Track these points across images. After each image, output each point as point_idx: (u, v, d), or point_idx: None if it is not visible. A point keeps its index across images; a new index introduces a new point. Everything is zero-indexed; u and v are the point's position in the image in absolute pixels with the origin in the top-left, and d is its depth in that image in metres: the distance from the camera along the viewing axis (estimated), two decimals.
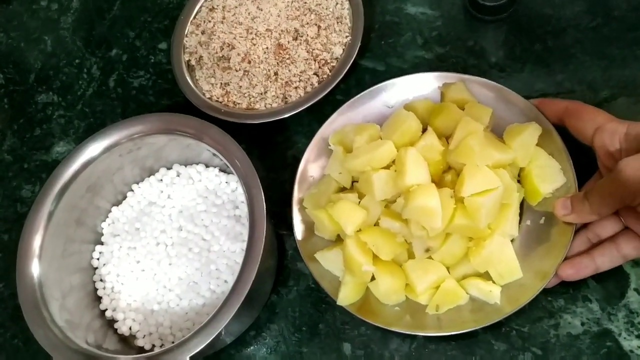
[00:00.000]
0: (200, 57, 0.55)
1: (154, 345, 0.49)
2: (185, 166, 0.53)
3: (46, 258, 0.47)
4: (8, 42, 0.71)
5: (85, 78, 0.66)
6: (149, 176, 0.54)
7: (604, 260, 0.43)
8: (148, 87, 0.64)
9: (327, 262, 0.49)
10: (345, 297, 0.46)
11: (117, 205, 0.54)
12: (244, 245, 0.49)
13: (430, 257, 0.46)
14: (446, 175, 0.47)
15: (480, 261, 0.44)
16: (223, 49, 0.53)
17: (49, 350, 0.43)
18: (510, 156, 0.46)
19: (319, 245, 0.50)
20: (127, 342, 0.50)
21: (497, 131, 0.48)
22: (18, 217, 0.61)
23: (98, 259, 0.53)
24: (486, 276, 0.46)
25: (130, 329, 0.50)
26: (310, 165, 0.52)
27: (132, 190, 0.54)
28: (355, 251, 0.46)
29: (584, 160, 0.45)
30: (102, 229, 0.54)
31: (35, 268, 0.46)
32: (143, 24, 0.67)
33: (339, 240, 0.50)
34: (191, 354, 0.39)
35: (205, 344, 0.40)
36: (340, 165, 0.50)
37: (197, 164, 0.53)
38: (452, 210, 0.43)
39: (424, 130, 0.48)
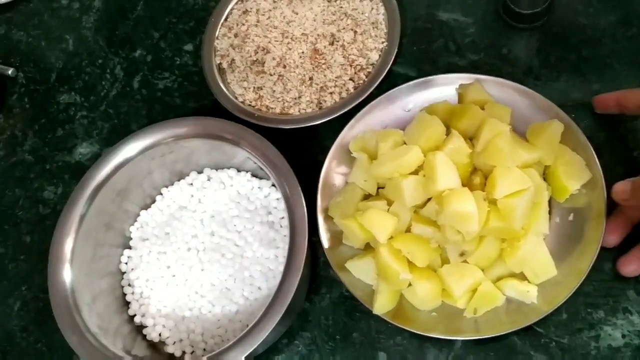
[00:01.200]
0: (233, 60, 0.54)
1: (184, 352, 0.49)
2: (216, 170, 0.52)
3: (77, 262, 0.46)
4: (28, 41, 0.70)
5: (109, 78, 0.65)
6: (178, 180, 0.53)
7: None
8: (174, 89, 0.63)
9: (359, 271, 0.48)
10: (382, 305, 0.46)
11: (146, 209, 0.53)
12: (278, 252, 0.49)
13: (465, 261, 0.46)
14: (474, 178, 0.47)
15: (516, 261, 0.45)
16: (257, 52, 0.52)
17: (84, 358, 0.42)
18: (537, 155, 0.46)
19: (347, 253, 0.50)
20: (156, 348, 0.49)
21: (516, 130, 0.48)
22: (40, 219, 0.60)
23: (126, 263, 0.52)
24: (520, 276, 0.46)
25: (160, 335, 0.49)
26: (331, 173, 0.51)
27: (162, 194, 0.53)
28: (390, 259, 0.45)
29: (607, 155, 0.46)
30: (131, 232, 0.53)
31: (67, 273, 0.45)
32: (168, 24, 0.66)
33: (367, 248, 0.50)
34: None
35: (246, 354, 0.39)
36: (365, 172, 0.50)
37: (229, 168, 0.52)
38: (487, 213, 0.43)
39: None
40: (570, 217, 0.47)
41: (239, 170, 0.52)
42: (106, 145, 0.62)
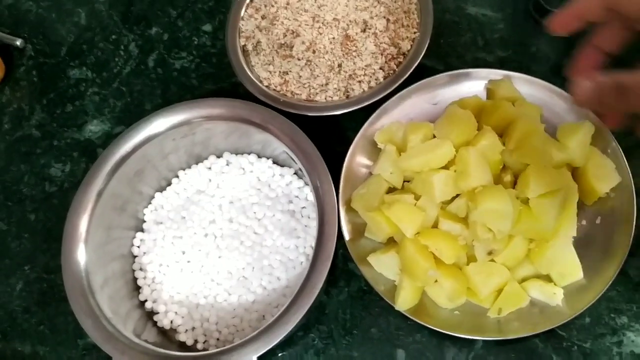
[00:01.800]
0: (258, 42, 0.52)
1: (196, 341, 0.47)
2: (236, 155, 0.50)
3: (91, 243, 0.44)
4: (38, 12, 0.67)
5: (122, 55, 0.63)
6: (196, 163, 0.51)
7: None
8: (191, 69, 0.61)
9: (381, 265, 0.47)
10: (404, 301, 0.45)
11: (161, 192, 0.51)
12: (299, 242, 0.47)
13: (492, 260, 0.45)
14: (504, 176, 0.46)
15: (544, 263, 0.44)
16: (286, 35, 0.51)
17: (99, 343, 0.40)
18: (568, 156, 0.46)
19: (368, 247, 0.49)
20: (167, 335, 0.48)
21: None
22: (46, 197, 0.58)
23: (139, 246, 0.50)
24: (544, 278, 0.45)
25: (171, 322, 0.48)
26: (354, 164, 0.50)
27: (178, 177, 0.51)
28: (416, 255, 0.44)
29: (636, 158, 0.46)
30: (144, 215, 0.51)
31: (81, 254, 0.44)
32: (186, 3, 0.64)
33: (390, 242, 0.49)
34: (258, 354, 0.37)
35: (271, 346, 0.38)
36: (392, 164, 0.48)
37: (249, 153, 0.50)
38: (519, 212, 0.43)
39: None
40: (598, 221, 0.46)
41: (259, 156, 0.50)
42: (118, 124, 0.60)
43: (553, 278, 0.45)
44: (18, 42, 0.65)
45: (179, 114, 0.45)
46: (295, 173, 0.49)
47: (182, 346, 0.47)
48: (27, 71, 0.64)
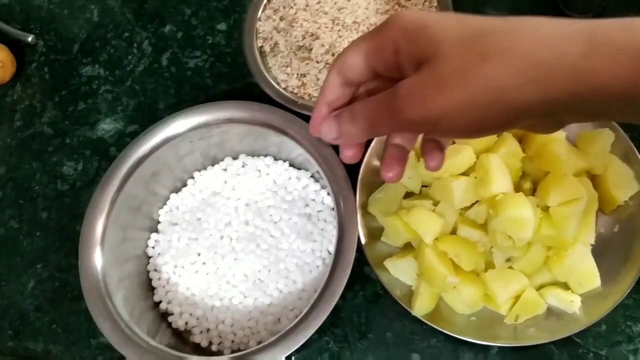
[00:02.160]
0: (276, 43, 0.52)
1: (210, 343, 0.47)
2: (252, 157, 0.50)
3: (107, 245, 0.44)
4: (50, 8, 0.67)
5: (136, 53, 0.63)
6: (212, 165, 0.51)
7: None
8: (205, 69, 0.61)
9: (398, 270, 0.47)
10: (422, 306, 0.45)
11: (176, 193, 0.51)
12: (315, 245, 0.47)
13: (510, 267, 0.45)
14: (523, 183, 0.46)
15: (563, 270, 0.44)
16: (305, 38, 0.50)
17: (118, 347, 0.40)
18: (588, 164, 0.46)
19: (384, 251, 0.48)
20: (181, 337, 0.48)
21: None
22: (58, 195, 0.58)
23: (153, 247, 0.50)
24: (561, 286, 0.45)
25: (186, 323, 0.48)
26: (370, 168, 0.50)
27: (193, 178, 0.51)
28: (435, 261, 0.44)
29: None
30: (159, 216, 0.51)
31: (98, 256, 0.43)
32: (200, 1, 0.64)
33: (406, 247, 0.49)
34: (285, 355, 0.38)
35: (289, 352, 0.38)
36: (410, 169, 0.48)
37: (265, 156, 0.50)
38: (539, 221, 0.43)
39: None
40: (616, 229, 0.46)
41: (275, 159, 0.50)
42: (131, 123, 0.60)
43: (570, 286, 0.45)
44: (29, 39, 0.64)
45: (197, 116, 0.45)
46: (312, 176, 0.49)
47: (197, 348, 0.47)
48: (39, 68, 0.64)
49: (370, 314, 0.49)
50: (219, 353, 0.47)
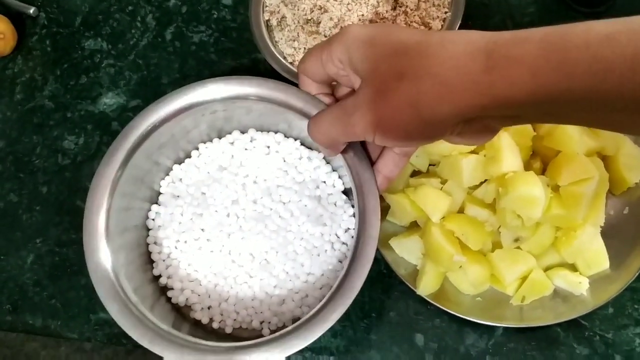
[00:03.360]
0: (283, 17, 0.51)
1: (211, 319, 0.46)
2: (261, 132, 0.49)
3: (112, 217, 0.43)
4: None
5: (139, 27, 0.62)
6: (218, 137, 0.49)
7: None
8: (209, 44, 0.60)
9: (403, 249, 0.47)
10: (427, 286, 0.45)
11: (179, 164, 0.49)
12: (324, 229, 0.46)
13: (518, 247, 0.44)
14: (533, 162, 0.45)
15: (571, 251, 0.44)
16: (313, 11, 0.49)
17: (128, 329, 0.39)
18: (600, 144, 0.45)
19: (389, 230, 0.48)
20: (180, 312, 0.47)
21: None
22: (59, 170, 0.57)
23: (154, 219, 0.48)
24: (569, 267, 0.45)
25: (187, 299, 0.47)
26: None
27: (197, 149, 0.49)
28: (442, 240, 0.43)
29: None
30: (160, 187, 0.49)
31: (103, 245, 0.42)
32: None
33: (412, 226, 0.48)
34: (291, 352, 0.37)
35: (306, 345, 0.37)
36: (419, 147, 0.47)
37: (276, 132, 0.49)
38: (549, 200, 0.42)
39: None
40: (625, 211, 0.46)
41: (286, 136, 0.49)
42: (134, 98, 0.59)
43: (579, 267, 0.44)
44: (31, 11, 0.63)
45: (208, 91, 0.43)
46: (324, 158, 0.48)
47: (196, 324, 0.47)
48: (41, 40, 0.63)
49: (374, 293, 0.48)
50: (220, 330, 0.46)
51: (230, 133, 0.49)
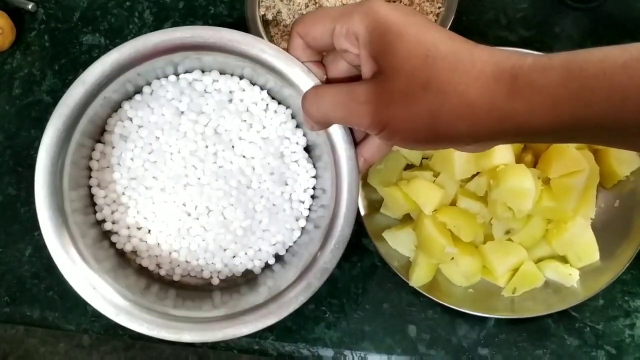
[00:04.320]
0: (279, 12, 0.51)
1: (158, 266, 0.45)
2: (224, 75, 0.43)
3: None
4: None
5: (137, 22, 0.62)
6: (175, 74, 0.43)
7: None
8: None
9: (396, 241, 0.47)
10: (419, 277, 0.45)
11: (128, 100, 0.43)
12: (286, 189, 0.44)
13: (509, 239, 0.45)
14: (525, 155, 0.46)
15: (562, 244, 0.44)
16: (308, 6, 0.50)
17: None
18: None
19: (383, 223, 0.48)
20: (125, 257, 0.45)
21: None
22: None
23: (98, 160, 0.44)
24: (560, 259, 0.45)
25: (134, 247, 0.44)
26: None
27: (149, 84, 0.43)
28: (434, 232, 0.44)
29: None
30: (107, 125, 0.44)
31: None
32: None
33: (405, 219, 0.49)
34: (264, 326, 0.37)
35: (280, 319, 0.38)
36: None
37: (240, 77, 0.43)
38: (540, 192, 0.43)
39: None
40: (616, 204, 0.46)
41: (252, 83, 0.43)
42: None
43: (569, 259, 0.45)
44: (30, 6, 0.63)
45: (175, 39, 0.39)
46: (290, 112, 0.44)
47: (141, 269, 0.45)
48: (39, 36, 0.63)
49: (368, 285, 0.49)
50: (166, 277, 0.45)
51: (190, 72, 0.43)
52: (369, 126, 0.30)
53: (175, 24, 0.61)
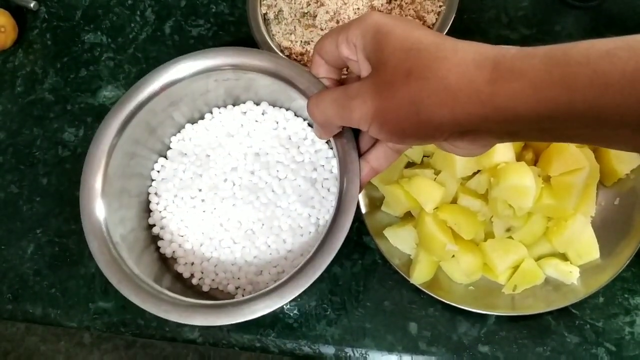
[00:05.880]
0: (280, 10, 0.51)
1: (192, 275, 0.48)
2: (274, 107, 0.50)
3: (115, 160, 0.45)
4: None
5: (138, 21, 0.62)
6: (233, 104, 0.50)
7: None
8: (207, 37, 0.60)
9: (397, 239, 0.47)
10: (420, 275, 0.45)
11: (192, 124, 0.51)
12: (313, 212, 0.47)
13: (509, 237, 0.45)
14: (525, 153, 0.46)
15: (562, 241, 0.44)
16: (310, 4, 0.50)
17: (133, 296, 0.40)
18: None
19: (384, 220, 0.48)
20: (166, 263, 0.48)
21: None
22: (59, 161, 0.58)
23: (159, 171, 0.50)
24: (560, 257, 0.46)
25: (174, 252, 0.48)
26: None
27: (211, 113, 0.51)
28: (435, 230, 0.44)
29: None
30: (170, 142, 0.51)
31: (100, 205, 0.43)
32: None
33: (406, 216, 0.49)
34: (269, 310, 0.38)
35: (284, 303, 0.38)
36: None
37: (287, 109, 0.50)
38: (540, 190, 0.43)
39: None
40: (616, 202, 0.46)
41: (296, 115, 0.50)
42: None
43: (569, 257, 0.45)
44: (32, 5, 0.64)
45: (216, 58, 0.44)
46: (327, 142, 0.49)
47: (178, 277, 0.48)
48: (41, 34, 0.64)
49: (369, 282, 0.49)
50: (197, 287, 0.47)
51: (244, 103, 0.50)
52: (360, 119, 0.31)
53: (177, 23, 0.61)
